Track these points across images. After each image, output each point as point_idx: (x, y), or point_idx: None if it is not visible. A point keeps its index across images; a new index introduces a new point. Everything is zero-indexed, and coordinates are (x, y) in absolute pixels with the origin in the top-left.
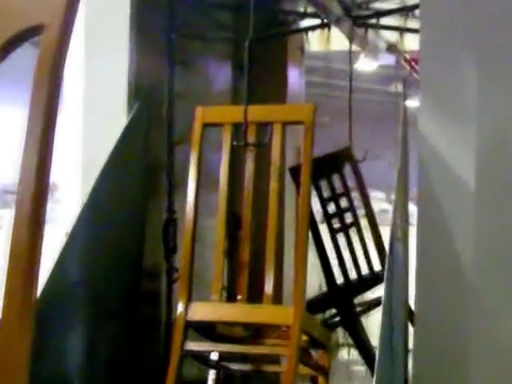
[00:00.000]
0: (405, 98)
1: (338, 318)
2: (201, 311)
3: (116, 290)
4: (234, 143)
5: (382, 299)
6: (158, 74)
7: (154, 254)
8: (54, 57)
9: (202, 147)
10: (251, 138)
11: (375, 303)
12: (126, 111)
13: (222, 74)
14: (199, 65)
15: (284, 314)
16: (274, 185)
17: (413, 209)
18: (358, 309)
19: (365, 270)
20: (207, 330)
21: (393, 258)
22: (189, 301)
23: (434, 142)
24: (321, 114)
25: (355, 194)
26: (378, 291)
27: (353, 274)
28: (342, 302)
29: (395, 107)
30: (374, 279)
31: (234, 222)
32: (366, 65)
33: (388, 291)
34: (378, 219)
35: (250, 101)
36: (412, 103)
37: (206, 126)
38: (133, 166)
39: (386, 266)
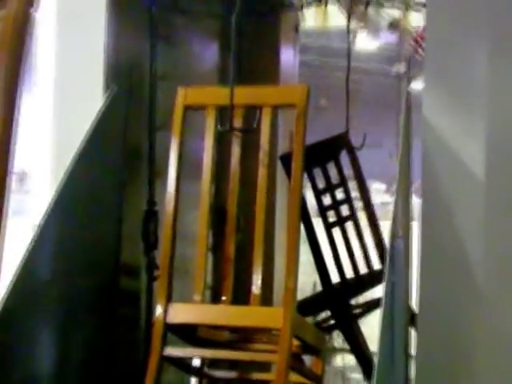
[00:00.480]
0: (408, 80)
1: (333, 321)
2: (181, 313)
3: (90, 289)
4: (219, 128)
5: (382, 300)
6: (138, 52)
7: (133, 250)
8: (15, 32)
9: (183, 132)
10: (237, 122)
11: (374, 305)
12: (103, 93)
13: (208, 53)
14: (184, 42)
15: (273, 317)
16: (262, 174)
17: (416, 202)
18: (355, 311)
19: (363, 269)
20: (189, 334)
21: (393, 255)
22: (168, 301)
23: (439, 128)
24: (316, 96)
25: (352, 185)
26: (377, 292)
27: (349, 273)
28: (337, 303)
29: (398, 90)
30: (372, 278)
31: (219, 215)
32: (366, 43)
33: (388, 291)
34: (378, 213)
35: (237, 81)
36: (416, 86)
37: (187, 108)
38: (110, 154)
39: (386, 264)
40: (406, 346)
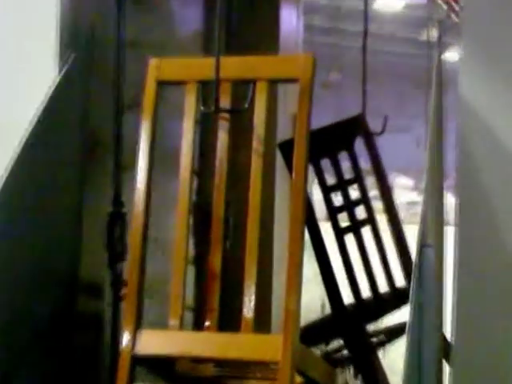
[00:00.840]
0: (440, 50)
1: (346, 352)
2: (154, 342)
3: (41, 312)
4: (201, 109)
5: (407, 326)
6: (101, 13)
7: (95, 262)
8: None
9: (156, 113)
10: (225, 101)
11: (397, 332)
12: (58, 64)
13: (190, 15)
14: (159, 2)
15: (270, 346)
16: (256, 166)
17: (450, 202)
18: (374, 339)
19: (383, 286)
20: (164, 369)
21: (421, 268)
22: (137, 328)
23: (480, 109)
24: (325, 69)
25: (370, 181)
26: (402, 315)
27: (366, 292)
28: (351, 329)
29: (427, 62)
30: (395, 299)
31: (203, 218)
32: (388, 3)
33: (414, 315)
34: (403, 215)
35: (225, 51)
36: (450, 56)
37: (162, 84)
38: (66, 140)
39: (413, 281)
40: None
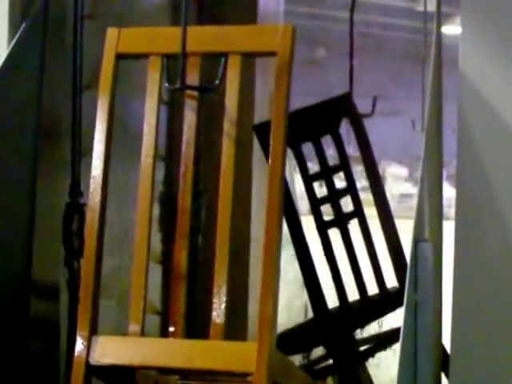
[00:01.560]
0: (439, 22)
1: (330, 361)
2: (111, 350)
3: None
4: (166, 86)
5: (401, 331)
6: None
7: (50, 259)
8: None
9: (114, 91)
10: (193, 77)
11: (388, 338)
12: (7, 35)
13: None
14: None
15: (243, 356)
16: (228, 151)
17: (450, 193)
18: (362, 347)
19: (372, 288)
20: (122, 380)
21: (418, 265)
22: (92, 334)
23: (483, 89)
24: (311, 44)
25: (358, 169)
26: (394, 320)
27: (353, 294)
28: (336, 336)
29: (424, 36)
30: (385, 302)
31: (172, 209)
32: None
33: (409, 317)
34: (397, 208)
35: (195, 21)
36: (450, 29)
37: (121, 57)
38: (17, 121)
39: (408, 279)
40: None
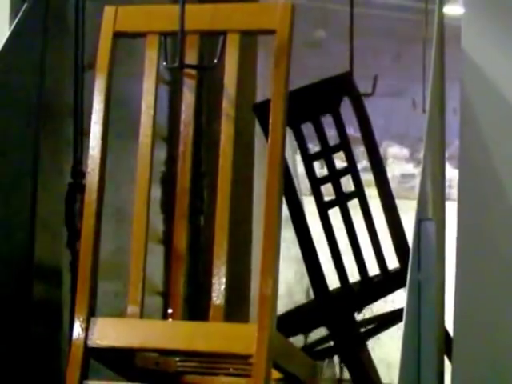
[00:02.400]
0: (441, 2)
1: (331, 343)
2: (110, 333)
3: None
4: (164, 65)
5: (404, 311)
6: None
7: (52, 240)
8: None
9: (112, 69)
10: (191, 56)
11: (390, 320)
12: (9, 14)
13: None
14: None
15: (243, 337)
16: (227, 131)
17: (451, 174)
18: (363, 328)
19: (373, 268)
20: (121, 363)
21: (421, 245)
22: (91, 316)
23: (485, 68)
24: (311, 24)
25: (358, 148)
26: (394, 301)
27: (354, 275)
28: (337, 317)
29: (427, 17)
30: (387, 282)
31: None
32: None
33: (412, 295)
34: (397, 189)
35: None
36: (452, 9)
37: (118, 36)
38: (19, 102)
39: (410, 258)
40: (439, 380)
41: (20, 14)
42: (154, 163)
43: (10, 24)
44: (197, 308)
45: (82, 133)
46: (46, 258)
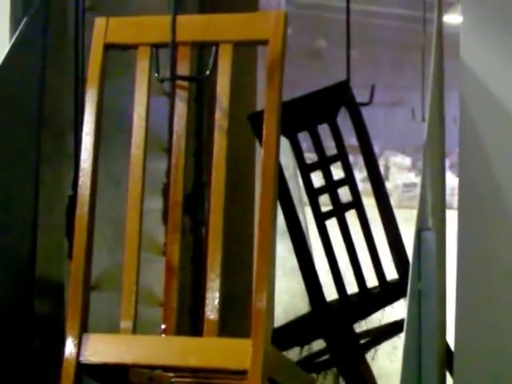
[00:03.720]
0: (440, 12)
1: (328, 356)
2: (103, 349)
3: None
4: (156, 76)
5: (405, 321)
6: None
7: (54, 253)
8: None
9: (103, 81)
10: (183, 67)
11: (389, 331)
12: (9, 28)
13: None
14: None
15: (237, 353)
16: (220, 143)
17: (452, 182)
18: (362, 340)
19: (372, 279)
20: (115, 378)
21: (421, 255)
22: (83, 331)
23: (484, 77)
24: (311, 34)
25: (356, 158)
26: (393, 314)
27: (352, 286)
28: (335, 329)
29: (424, 26)
30: (385, 294)
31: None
32: None
33: (413, 309)
34: (399, 198)
35: (196, 11)
36: (452, 19)
37: (109, 47)
38: (20, 114)
39: (411, 268)
40: None
41: (20, 27)
42: (155, 175)
43: (11, 37)
44: (199, 321)
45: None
46: (48, 271)
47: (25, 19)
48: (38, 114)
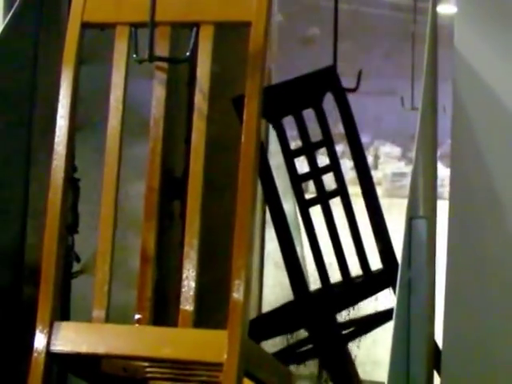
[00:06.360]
0: (434, 1)
1: (310, 346)
2: (75, 338)
3: None
4: (133, 57)
5: (394, 309)
6: None
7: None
8: None
9: (79, 62)
10: (162, 48)
11: (375, 321)
12: (2, 11)
13: None
14: None
15: (212, 345)
16: (198, 125)
17: (442, 173)
18: (346, 330)
19: (355, 269)
20: (87, 368)
21: (412, 243)
22: (54, 320)
23: (478, 67)
24: (303, 22)
25: (346, 147)
26: (380, 302)
27: (335, 275)
28: (317, 318)
29: (419, 17)
30: (369, 284)
31: (168, 186)
32: None
33: (402, 297)
34: (390, 187)
35: None
36: (445, 8)
37: (86, 26)
38: (13, 97)
39: (401, 256)
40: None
41: (14, 6)
42: (141, 159)
43: (4, 17)
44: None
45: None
46: (38, 253)
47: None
48: (30, 96)
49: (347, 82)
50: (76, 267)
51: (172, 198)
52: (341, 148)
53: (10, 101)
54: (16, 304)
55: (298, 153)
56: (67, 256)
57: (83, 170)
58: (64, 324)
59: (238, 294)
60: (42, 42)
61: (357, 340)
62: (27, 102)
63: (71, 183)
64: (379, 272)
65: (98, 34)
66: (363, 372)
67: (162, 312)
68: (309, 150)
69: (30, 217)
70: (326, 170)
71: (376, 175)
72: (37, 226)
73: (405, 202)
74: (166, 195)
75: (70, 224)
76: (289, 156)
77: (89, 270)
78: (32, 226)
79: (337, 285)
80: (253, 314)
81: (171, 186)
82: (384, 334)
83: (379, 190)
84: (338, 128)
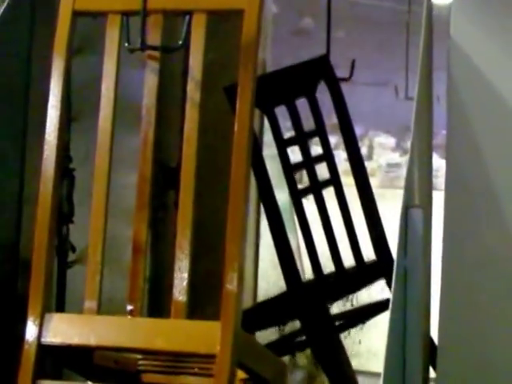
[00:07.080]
0: None
1: (303, 337)
2: (66, 330)
3: None
4: (125, 45)
5: (390, 299)
6: None
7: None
8: None
9: (70, 51)
10: (155, 37)
11: (369, 312)
12: None
13: None
14: None
15: (205, 336)
16: (191, 114)
17: (437, 163)
18: (341, 321)
19: (348, 259)
20: (77, 361)
21: (408, 233)
22: (45, 311)
23: (473, 57)
24: (297, 12)
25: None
26: (373, 293)
27: (328, 265)
28: (309, 309)
29: (414, 7)
30: (362, 274)
31: (164, 175)
32: None
33: (398, 286)
34: (384, 177)
35: None
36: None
37: (78, 15)
38: (8, 87)
39: (397, 245)
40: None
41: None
42: (134, 149)
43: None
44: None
45: (69, 118)
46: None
47: None
48: (24, 87)
49: (341, 73)
50: (71, 257)
51: (167, 187)
52: (335, 139)
53: (5, 91)
54: (11, 295)
55: (290, 142)
56: (63, 246)
57: (79, 160)
58: (55, 315)
59: (231, 285)
60: (36, 33)
61: (352, 330)
62: (22, 91)
63: (66, 173)
64: (372, 263)
65: (92, 23)
66: (358, 364)
67: (157, 303)
68: (302, 140)
69: (25, 208)
70: (318, 159)
71: (370, 166)
72: (32, 217)
73: (399, 193)
74: (161, 185)
75: (66, 214)
76: (281, 145)
77: (84, 260)
78: (27, 217)
79: (330, 275)
80: (247, 306)
81: (166, 176)
82: (381, 325)
83: (373, 181)
84: (331, 119)
